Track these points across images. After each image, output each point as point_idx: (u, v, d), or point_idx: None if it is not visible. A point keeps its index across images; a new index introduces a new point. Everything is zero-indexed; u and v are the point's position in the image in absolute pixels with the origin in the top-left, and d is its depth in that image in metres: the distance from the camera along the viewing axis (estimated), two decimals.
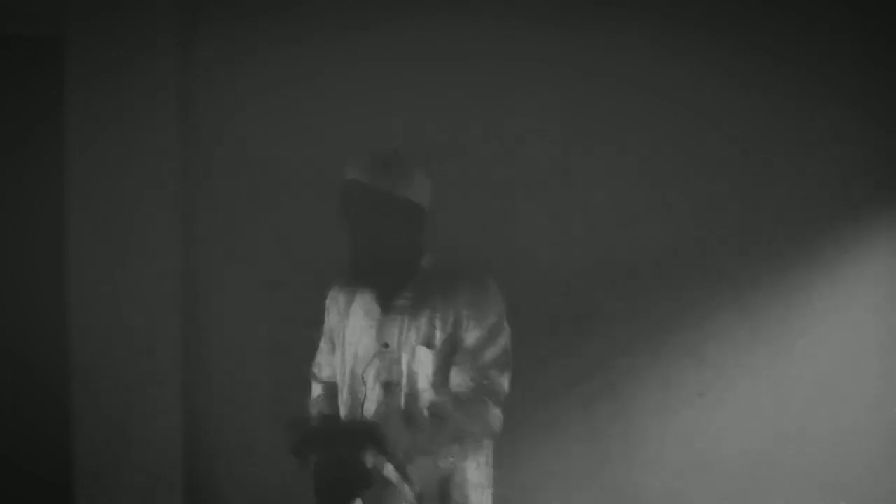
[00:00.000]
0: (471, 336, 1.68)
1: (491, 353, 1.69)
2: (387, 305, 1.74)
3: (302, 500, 2.51)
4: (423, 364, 1.69)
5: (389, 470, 1.66)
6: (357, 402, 1.75)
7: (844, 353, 2.53)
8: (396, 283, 1.75)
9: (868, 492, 2.53)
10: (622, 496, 2.54)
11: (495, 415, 1.68)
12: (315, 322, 2.52)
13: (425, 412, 1.64)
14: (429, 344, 1.69)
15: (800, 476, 2.53)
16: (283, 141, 2.52)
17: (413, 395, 1.69)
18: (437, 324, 1.69)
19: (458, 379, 1.68)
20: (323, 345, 1.95)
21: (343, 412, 1.80)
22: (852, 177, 2.52)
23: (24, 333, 2.55)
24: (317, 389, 1.96)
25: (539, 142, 2.51)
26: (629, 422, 2.53)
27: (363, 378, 1.74)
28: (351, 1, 2.51)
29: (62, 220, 2.46)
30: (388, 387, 1.71)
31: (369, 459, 1.60)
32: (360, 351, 1.76)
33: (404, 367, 1.70)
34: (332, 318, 1.89)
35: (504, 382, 1.71)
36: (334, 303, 1.88)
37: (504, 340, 1.72)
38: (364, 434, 1.60)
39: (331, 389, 1.91)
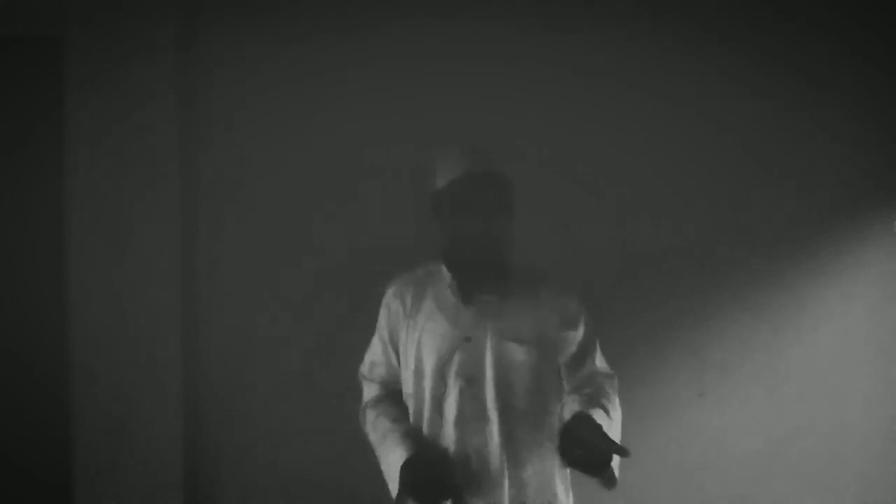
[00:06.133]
0: (575, 344, 1.78)
1: (598, 355, 1.85)
2: (468, 299, 1.72)
3: (302, 501, 2.52)
4: (514, 360, 1.69)
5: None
6: (438, 398, 1.71)
7: (844, 353, 2.53)
8: (481, 276, 1.73)
9: (868, 492, 2.53)
10: (622, 496, 2.54)
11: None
12: (314, 322, 2.53)
13: (605, 426, 1.65)
14: (519, 340, 1.69)
15: (800, 476, 2.53)
16: (284, 140, 2.52)
17: (523, 408, 1.70)
18: (527, 323, 1.71)
19: (579, 382, 1.79)
20: (376, 343, 1.85)
21: (418, 407, 1.75)
22: (852, 177, 2.52)
23: (24, 333, 2.55)
24: (371, 390, 1.86)
25: (538, 142, 2.51)
26: (629, 422, 2.52)
27: (443, 374, 1.70)
28: (351, 1, 2.52)
29: (62, 220, 2.46)
30: (471, 381, 1.69)
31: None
32: (438, 346, 1.71)
33: (489, 362, 1.68)
34: (391, 317, 1.81)
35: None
36: (396, 300, 1.80)
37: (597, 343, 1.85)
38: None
39: (388, 388, 1.84)
